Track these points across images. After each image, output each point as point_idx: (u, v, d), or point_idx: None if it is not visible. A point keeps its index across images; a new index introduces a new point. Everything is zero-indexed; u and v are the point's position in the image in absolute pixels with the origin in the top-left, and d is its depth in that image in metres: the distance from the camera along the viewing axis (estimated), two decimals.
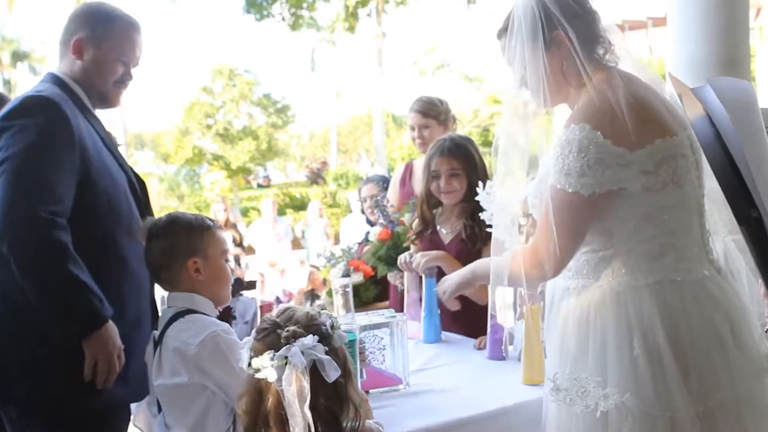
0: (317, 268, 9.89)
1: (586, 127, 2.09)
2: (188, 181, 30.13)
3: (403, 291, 3.69)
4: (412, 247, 3.69)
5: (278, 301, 8.50)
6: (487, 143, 28.22)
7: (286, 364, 1.74)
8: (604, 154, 2.07)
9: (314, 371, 1.76)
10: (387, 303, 3.96)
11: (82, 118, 2.60)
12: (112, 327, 2.46)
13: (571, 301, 2.24)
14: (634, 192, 2.11)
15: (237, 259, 10.06)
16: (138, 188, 2.78)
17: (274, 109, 30.57)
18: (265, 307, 2.97)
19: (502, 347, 2.99)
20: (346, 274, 4.09)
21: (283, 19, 26.18)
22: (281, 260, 11.20)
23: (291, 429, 1.72)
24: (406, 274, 3.61)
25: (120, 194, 2.66)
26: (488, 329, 2.99)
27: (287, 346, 1.76)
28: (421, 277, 3.39)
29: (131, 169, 2.81)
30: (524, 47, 2.22)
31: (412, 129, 4.65)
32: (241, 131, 28.99)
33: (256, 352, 1.80)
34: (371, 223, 5.33)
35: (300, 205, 22.64)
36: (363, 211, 5.62)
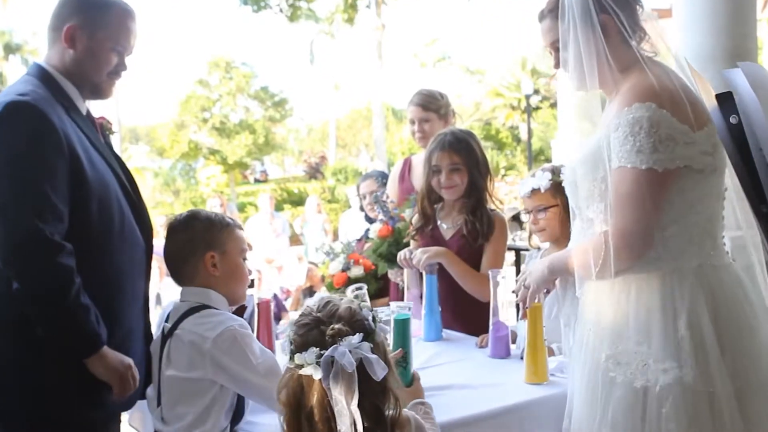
0: (315, 264, 9.88)
1: (653, 105, 2.16)
2: (184, 176, 30.14)
3: (404, 288, 3.68)
4: (412, 243, 3.69)
5: (275, 298, 8.49)
6: (490, 137, 28.29)
7: (332, 362, 1.75)
8: (673, 131, 2.15)
9: (362, 369, 1.77)
10: (386, 299, 3.96)
11: (68, 120, 2.49)
12: (108, 351, 2.41)
13: (605, 283, 2.27)
14: (692, 175, 2.19)
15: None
16: (129, 186, 2.68)
17: (272, 103, 30.58)
18: (263, 305, 2.96)
19: (505, 345, 2.99)
20: (346, 268, 4.09)
21: (281, 10, 26.21)
22: (279, 257, 11.20)
23: (338, 426, 1.74)
24: (406, 270, 3.61)
25: (111, 197, 2.55)
26: (490, 327, 2.99)
27: (334, 346, 1.78)
28: (421, 274, 3.39)
29: (120, 164, 2.71)
30: (576, 28, 2.27)
31: (412, 123, 4.64)
32: (237, 125, 29.01)
33: (298, 347, 1.81)
34: (370, 220, 5.32)
35: (298, 201, 22.70)
36: (362, 208, 5.61)
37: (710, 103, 2.13)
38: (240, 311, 2.57)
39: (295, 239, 13.97)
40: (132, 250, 2.58)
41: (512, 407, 2.46)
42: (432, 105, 4.58)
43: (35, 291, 2.31)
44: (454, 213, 3.59)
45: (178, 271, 2.49)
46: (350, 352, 1.76)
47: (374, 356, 1.78)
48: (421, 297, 3.39)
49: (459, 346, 3.19)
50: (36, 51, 26.28)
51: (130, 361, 2.46)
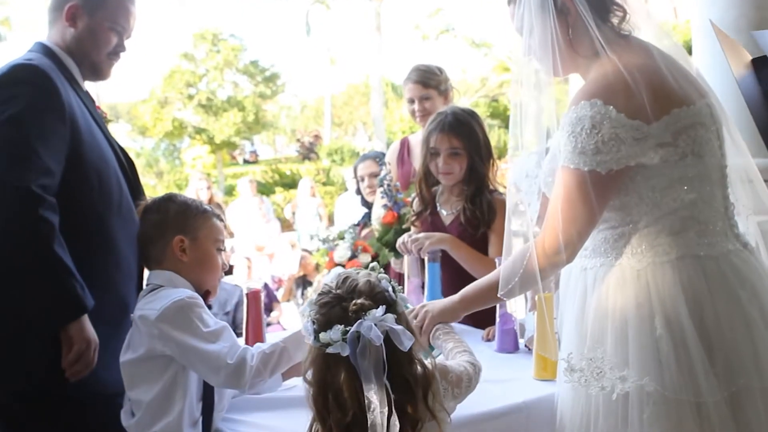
0: (309, 252, 9.89)
1: (598, 102, 2.13)
2: (167, 157, 30.10)
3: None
4: (412, 229, 3.68)
5: (266, 288, 8.50)
6: (496, 114, 28.22)
7: (359, 337, 1.82)
8: (619, 129, 2.11)
9: (388, 342, 1.85)
10: None
11: (71, 91, 2.68)
12: (87, 321, 2.51)
13: (589, 282, 2.28)
14: (653, 165, 2.16)
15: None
16: (127, 167, 2.85)
17: (262, 78, 30.48)
18: (252, 295, 2.96)
19: (512, 339, 2.99)
20: (354, 255, 4.08)
21: None
22: (269, 243, 11.20)
23: (367, 401, 1.80)
24: (406, 258, 3.61)
25: (110, 172, 2.72)
26: (497, 319, 2.99)
27: (359, 321, 1.85)
28: (423, 262, 3.38)
29: (119, 146, 2.87)
30: (531, 14, 2.27)
31: (411, 102, 4.64)
32: (225, 102, 28.92)
33: (321, 326, 1.89)
34: (367, 205, 5.32)
35: (290, 183, 22.68)
36: (358, 192, 5.60)
37: (741, 69, 2.10)
38: (204, 298, 2.59)
39: (286, 225, 13.98)
40: (129, 227, 2.67)
41: (519, 405, 2.46)
42: (432, 81, 4.57)
43: (14, 242, 2.42)
44: (453, 198, 3.60)
45: (146, 253, 2.55)
46: (375, 325, 1.84)
47: (400, 327, 1.86)
48: (422, 287, 3.38)
49: (464, 339, 3.18)
50: (7, 21, 26.15)
51: (97, 342, 2.53)
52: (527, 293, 2.75)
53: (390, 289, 1.95)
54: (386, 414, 1.81)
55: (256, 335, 2.89)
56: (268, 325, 7.86)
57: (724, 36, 2.23)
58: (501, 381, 2.64)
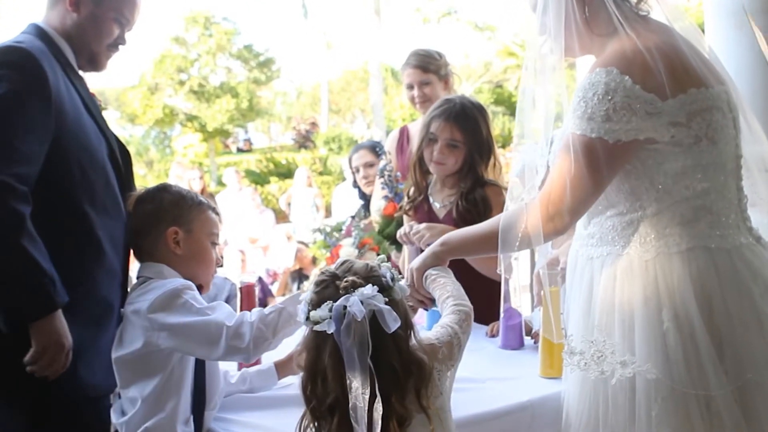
0: (305, 244, 9.88)
1: (614, 70, 2.13)
2: (158, 145, 30.11)
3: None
4: (405, 219, 3.68)
5: (260, 282, 8.50)
6: (500, 101, 28.21)
7: (345, 314, 1.84)
8: (632, 100, 2.12)
9: (375, 324, 1.86)
10: None
11: (63, 77, 2.64)
12: (62, 320, 2.45)
13: (596, 272, 2.29)
14: (664, 148, 2.16)
15: None
16: (120, 159, 2.80)
17: (257, 63, 30.47)
18: (246, 289, 2.95)
19: (517, 335, 2.99)
20: (362, 253, 4.07)
21: None
22: (264, 235, 11.20)
23: (348, 381, 1.83)
24: (404, 249, 3.60)
25: (96, 166, 2.66)
26: (501, 314, 2.99)
27: (346, 295, 1.88)
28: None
29: (115, 136, 2.83)
30: None
31: (410, 87, 4.64)
32: (218, 88, 28.91)
33: (314, 306, 1.91)
34: (364, 197, 5.31)
35: (286, 173, 22.68)
36: (355, 184, 5.59)
37: None
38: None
39: (282, 216, 13.98)
40: (114, 222, 2.64)
41: (524, 404, 2.46)
42: (431, 66, 4.57)
43: None
44: (446, 190, 3.59)
45: (138, 245, 2.55)
46: (362, 302, 1.85)
47: (387, 307, 1.87)
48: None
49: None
50: None
51: (71, 343, 2.47)
52: (533, 290, 2.75)
53: (388, 276, 1.97)
54: (367, 397, 1.83)
55: None
56: None
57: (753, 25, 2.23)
58: (505, 379, 2.65)
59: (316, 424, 1.94)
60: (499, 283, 2.96)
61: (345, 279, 1.92)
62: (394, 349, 1.91)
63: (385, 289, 1.93)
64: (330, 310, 1.87)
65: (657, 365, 2.11)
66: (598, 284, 2.28)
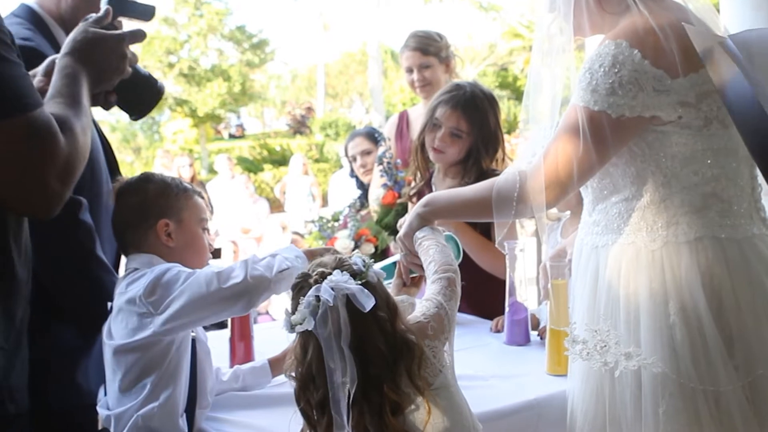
0: (301, 235, 9.88)
1: (624, 43, 2.14)
2: (146, 131, 30.05)
3: None
4: (410, 206, 3.67)
5: None
6: (506, 84, 28.20)
7: (319, 306, 1.86)
8: (640, 75, 2.12)
9: (354, 310, 1.87)
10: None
11: None
12: None
13: (601, 261, 2.29)
14: (672, 130, 2.16)
15: None
16: (102, 148, 2.81)
17: (250, 45, 30.43)
18: None
19: (523, 330, 2.99)
20: (356, 246, 4.07)
21: None
22: (257, 226, 11.20)
23: (328, 372, 1.85)
24: None
25: (101, 162, 2.71)
26: (506, 309, 2.99)
27: (316, 286, 1.89)
28: None
29: (96, 124, 2.82)
30: None
31: (410, 71, 4.64)
32: (209, 71, 28.87)
33: (293, 310, 1.93)
34: (362, 186, 5.30)
35: (280, 160, 22.68)
36: (353, 174, 5.58)
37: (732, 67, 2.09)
38: None
39: (276, 205, 13.98)
40: (107, 219, 2.64)
41: (531, 403, 2.46)
42: (431, 48, 4.57)
43: None
44: (448, 180, 3.58)
45: (123, 239, 2.52)
46: (332, 288, 1.87)
47: (358, 286, 1.88)
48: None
49: (470, 331, 3.19)
50: None
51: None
52: (540, 283, 2.75)
53: (360, 264, 1.97)
54: (347, 384, 1.84)
55: (242, 327, 2.88)
56: (257, 315, 7.87)
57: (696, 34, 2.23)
58: (511, 376, 2.65)
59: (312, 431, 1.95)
60: (502, 281, 2.96)
61: (315, 272, 1.94)
62: (378, 331, 1.91)
63: (357, 274, 1.93)
64: (306, 307, 1.88)
65: (663, 359, 2.12)
66: (603, 274, 2.28)
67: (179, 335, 2.32)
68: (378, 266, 2.06)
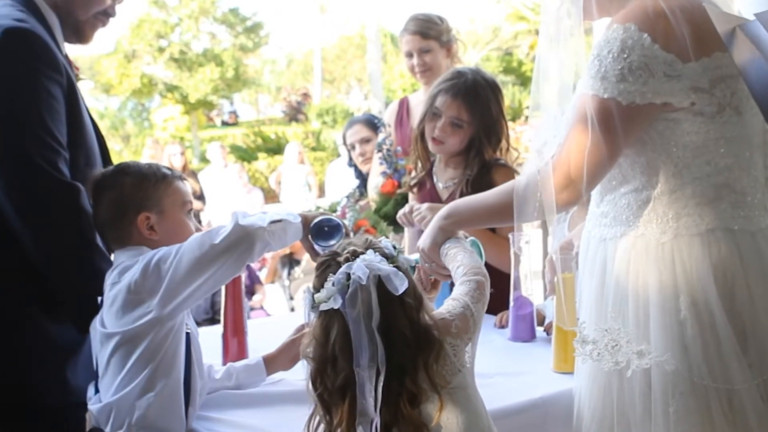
0: None
1: (632, 26, 2.13)
2: (135, 118, 30.09)
3: None
4: (411, 197, 3.66)
5: (248, 267, 8.49)
6: (510, 70, 28.21)
7: (349, 284, 1.89)
8: (650, 60, 2.12)
9: (383, 292, 1.89)
10: None
11: (61, 56, 2.64)
12: None
13: (609, 254, 2.29)
14: (684, 117, 2.15)
15: (197, 215, 10.06)
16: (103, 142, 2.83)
17: (243, 28, 30.42)
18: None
19: (528, 326, 2.99)
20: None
21: None
22: None
23: (355, 354, 1.87)
24: (406, 232, 3.60)
25: (96, 154, 2.73)
26: (510, 303, 2.99)
27: (347, 263, 1.92)
28: None
29: (87, 110, 2.82)
30: None
31: (409, 56, 4.63)
32: (201, 55, 28.87)
33: (317, 289, 1.95)
34: (361, 175, 5.30)
35: (275, 148, 22.64)
36: (351, 163, 5.57)
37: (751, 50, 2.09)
38: None
39: (271, 195, 13.98)
40: None
41: (536, 401, 2.46)
42: (432, 31, 4.56)
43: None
44: (450, 170, 3.58)
45: (105, 236, 2.53)
46: (366, 266, 1.89)
47: (392, 268, 1.91)
48: None
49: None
50: None
51: None
52: (545, 277, 2.74)
53: (391, 247, 2.00)
54: (374, 371, 1.86)
55: (235, 322, 2.88)
56: (251, 309, 7.87)
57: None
58: (516, 374, 2.65)
59: (328, 417, 1.95)
60: (507, 275, 2.96)
61: (345, 251, 1.96)
62: (404, 317, 1.93)
63: (388, 258, 1.96)
64: (334, 284, 1.89)
65: (674, 356, 2.12)
66: (611, 268, 2.27)
67: (176, 322, 2.31)
68: None
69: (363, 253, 1.94)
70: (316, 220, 2.53)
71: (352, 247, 1.97)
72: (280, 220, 2.37)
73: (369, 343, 1.87)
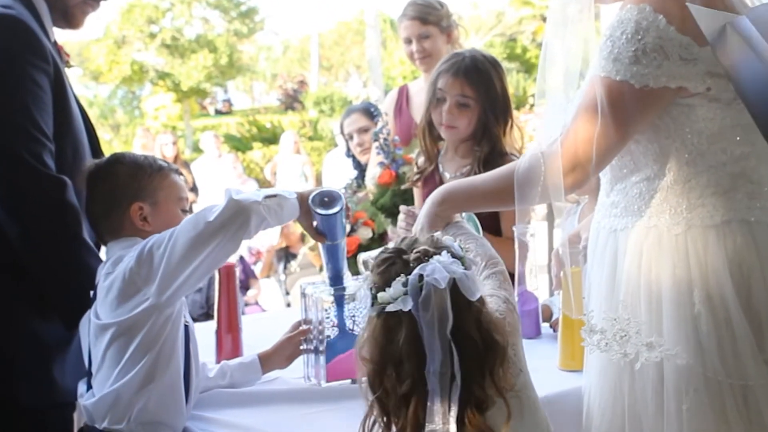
0: None
1: (647, 7, 2.12)
2: (125, 107, 30.07)
3: None
4: (415, 191, 3.66)
5: (242, 262, 8.49)
6: (515, 56, 28.18)
7: (421, 287, 1.84)
8: (665, 42, 2.11)
9: (453, 294, 1.86)
10: None
11: (50, 46, 2.66)
12: None
13: (620, 246, 2.28)
14: (699, 103, 2.15)
15: (190, 208, 10.05)
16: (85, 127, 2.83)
17: (237, 13, 30.38)
18: (225, 270, 2.92)
19: (533, 322, 2.99)
20: (352, 230, 4.06)
21: None
22: None
23: (429, 359, 1.84)
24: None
25: (85, 145, 2.75)
26: (515, 299, 2.98)
27: (421, 265, 1.88)
28: None
29: (77, 99, 2.84)
30: None
31: (408, 42, 4.62)
32: (194, 41, 28.82)
33: (380, 287, 1.91)
34: (359, 166, 5.29)
35: (271, 138, 22.61)
36: (349, 153, 5.57)
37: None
38: None
39: (266, 186, 13.96)
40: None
41: (542, 400, 2.44)
42: (431, 16, 4.55)
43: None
44: (458, 158, 3.56)
45: (98, 228, 2.54)
46: (445, 269, 1.86)
47: (469, 272, 1.90)
48: None
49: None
50: None
51: None
52: (552, 271, 2.74)
53: (455, 245, 1.97)
54: (448, 377, 1.84)
55: (230, 317, 2.87)
56: (246, 305, 7.87)
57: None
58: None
59: (384, 419, 1.92)
60: (511, 270, 2.95)
61: (415, 250, 1.93)
62: (473, 322, 1.90)
63: (458, 258, 1.94)
64: (404, 285, 1.86)
65: (688, 351, 2.11)
66: (622, 260, 2.27)
67: (174, 310, 2.32)
68: None
69: (436, 254, 1.91)
70: (315, 192, 2.51)
71: (422, 247, 1.94)
72: (275, 195, 2.36)
73: (441, 348, 1.84)
